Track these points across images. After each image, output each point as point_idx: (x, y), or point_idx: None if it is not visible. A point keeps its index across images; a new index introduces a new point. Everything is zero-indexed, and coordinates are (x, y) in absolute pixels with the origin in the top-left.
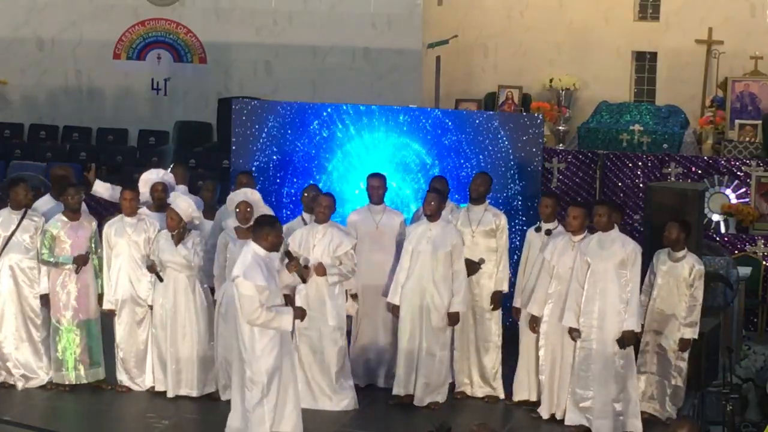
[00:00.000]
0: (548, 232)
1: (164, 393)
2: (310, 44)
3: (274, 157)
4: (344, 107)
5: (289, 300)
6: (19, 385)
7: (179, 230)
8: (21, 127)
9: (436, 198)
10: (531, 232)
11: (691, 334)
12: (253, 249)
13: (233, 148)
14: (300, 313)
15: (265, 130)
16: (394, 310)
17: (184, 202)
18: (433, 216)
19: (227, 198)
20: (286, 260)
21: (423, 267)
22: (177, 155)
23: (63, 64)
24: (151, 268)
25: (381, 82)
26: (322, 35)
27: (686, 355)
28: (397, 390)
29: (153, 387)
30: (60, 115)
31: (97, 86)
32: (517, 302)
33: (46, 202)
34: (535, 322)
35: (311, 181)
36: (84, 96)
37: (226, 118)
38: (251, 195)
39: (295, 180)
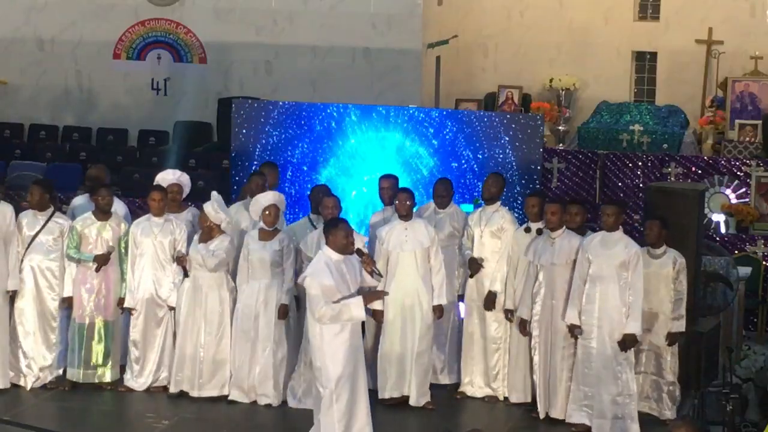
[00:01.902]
0: (539, 231)
1: (164, 393)
2: (310, 44)
3: (274, 158)
4: (344, 107)
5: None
6: (29, 384)
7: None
8: (21, 127)
9: (410, 197)
10: (519, 233)
11: (678, 327)
12: (325, 253)
13: (233, 147)
14: (371, 296)
15: (265, 130)
16: (376, 314)
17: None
18: (408, 215)
19: (254, 199)
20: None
21: (406, 266)
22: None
23: (63, 64)
24: (180, 260)
25: (381, 82)
26: (322, 35)
27: (676, 350)
28: (390, 393)
29: (164, 387)
30: (60, 115)
31: (97, 86)
32: (508, 304)
33: (83, 199)
34: (522, 325)
35: (323, 182)
36: (84, 96)
37: (226, 118)
38: (278, 198)
39: (295, 180)
